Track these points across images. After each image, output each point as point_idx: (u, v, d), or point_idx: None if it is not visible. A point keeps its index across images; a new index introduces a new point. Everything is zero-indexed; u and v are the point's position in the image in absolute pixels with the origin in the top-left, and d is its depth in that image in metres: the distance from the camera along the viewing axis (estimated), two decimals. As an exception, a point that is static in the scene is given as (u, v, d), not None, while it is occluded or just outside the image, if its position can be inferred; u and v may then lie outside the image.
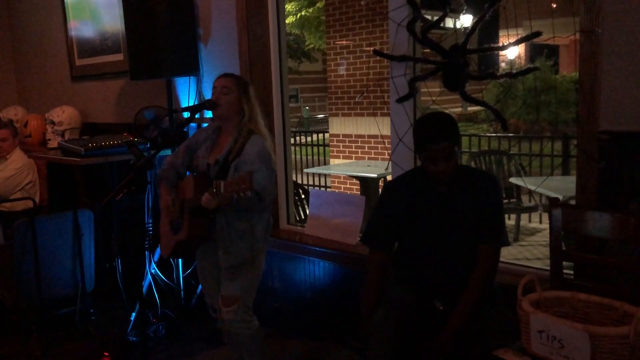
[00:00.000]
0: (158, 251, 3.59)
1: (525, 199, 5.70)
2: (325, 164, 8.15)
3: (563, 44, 15.60)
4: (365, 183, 5.84)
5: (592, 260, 2.17)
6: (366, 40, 7.28)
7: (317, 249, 3.23)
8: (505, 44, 2.40)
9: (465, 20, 6.57)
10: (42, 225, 3.34)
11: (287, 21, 11.81)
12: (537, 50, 13.47)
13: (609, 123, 2.18)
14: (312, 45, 14.40)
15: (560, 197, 3.91)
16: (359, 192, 6.23)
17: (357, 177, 6.20)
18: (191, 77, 3.68)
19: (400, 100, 2.72)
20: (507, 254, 2.25)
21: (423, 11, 2.60)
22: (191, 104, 3.69)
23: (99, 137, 3.87)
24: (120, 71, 4.27)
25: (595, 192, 2.24)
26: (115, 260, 3.66)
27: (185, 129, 3.69)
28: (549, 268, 2.17)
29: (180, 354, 3.24)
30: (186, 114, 2.58)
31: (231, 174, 2.42)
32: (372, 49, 4.26)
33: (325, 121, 14.22)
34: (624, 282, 2.07)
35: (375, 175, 5.57)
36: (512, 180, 5.46)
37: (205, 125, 3.12)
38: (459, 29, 2.53)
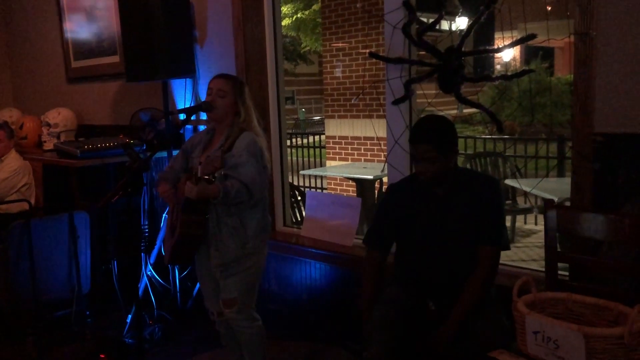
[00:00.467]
0: (154, 253, 3.59)
1: (520, 200, 5.71)
2: (321, 165, 8.15)
3: (558, 46, 15.67)
4: (362, 185, 5.84)
5: (587, 262, 2.18)
6: (362, 42, 7.28)
7: (314, 250, 3.23)
8: (500, 46, 2.41)
9: (461, 22, 6.60)
10: (37, 228, 3.33)
11: (283, 23, 11.83)
12: (532, 53, 13.52)
13: (604, 125, 2.19)
14: (308, 48, 14.42)
15: (556, 199, 3.91)
16: (355, 194, 6.23)
17: (353, 179, 6.20)
18: (187, 79, 3.68)
19: (396, 102, 2.73)
20: (503, 255, 2.25)
21: (418, 14, 2.61)
22: (187, 105, 3.69)
23: (94, 139, 3.86)
24: (116, 73, 4.27)
25: (590, 193, 2.25)
26: (112, 262, 3.65)
27: (181, 131, 3.70)
28: (544, 269, 2.17)
29: (177, 356, 3.23)
30: (182, 116, 2.58)
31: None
32: (367, 51, 4.28)
33: (321, 123, 14.23)
34: (619, 283, 2.08)
35: (371, 177, 5.57)
36: (508, 182, 5.48)
37: (201, 127, 3.13)
38: (455, 31, 2.54)
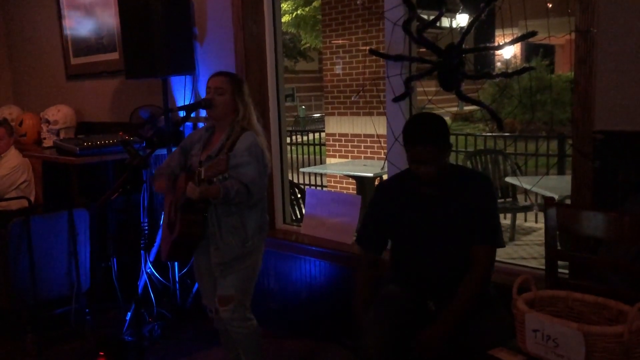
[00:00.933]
0: (153, 250, 3.58)
1: (520, 198, 5.71)
2: (321, 163, 8.15)
3: (559, 43, 15.65)
4: (362, 182, 5.84)
5: (587, 260, 2.18)
6: (362, 39, 7.27)
7: (313, 248, 3.23)
8: (501, 43, 2.41)
9: (461, 19, 6.58)
10: (37, 225, 3.32)
11: (283, 20, 11.81)
12: (532, 50, 13.51)
13: (604, 123, 2.19)
14: (308, 45, 14.42)
15: (556, 197, 3.91)
16: (355, 192, 6.23)
17: (353, 177, 6.21)
18: (187, 76, 3.68)
19: (396, 99, 2.72)
20: (503, 253, 2.25)
21: (419, 10, 2.61)
22: (187, 102, 3.69)
23: (94, 136, 3.85)
24: (115, 70, 4.26)
25: (590, 191, 2.24)
26: (111, 259, 3.65)
27: (180, 128, 3.69)
28: (544, 267, 2.17)
29: (176, 354, 3.23)
30: (182, 113, 2.58)
31: None
32: (368, 48, 4.27)
33: (321, 120, 14.23)
34: (619, 281, 2.08)
35: (371, 175, 5.57)
36: (508, 179, 5.48)
37: (200, 124, 3.12)
38: (455, 28, 2.53)
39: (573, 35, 2.23)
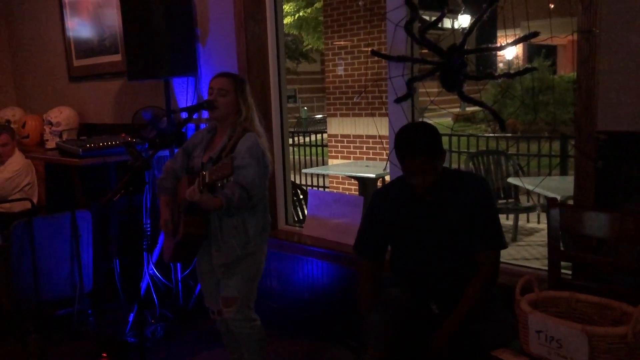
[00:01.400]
0: (156, 252, 3.59)
1: (523, 199, 5.70)
2: (323, 164, 8.15)
3: (561, 44, 15.64)
4: (364, 183, 5.84)
5: (590, 260, 2.17)
6: (364, 40, 7.27)
7: (316, 249, 3.23)
8: (503, 44, 2.40)
9: (463, 20, 6.57)
10: (40, 226, 3.33)
11: (285, 21, 11.84)
12: (535, 51, 13.51)
13: (607, 123, 2.18)
14: (310, 46, 14.42)
15: (558, 197, 3.91)
16: (357, 193, 6.23)
17: (355, 178, 6.21)
18: (189, 77, 3.68)
19: (398, 100, 2.72)
20: (505, 254, 2.24)
21: (421, 11, 2.60)
22: (189, 104, 3.69)
23: (96, 138, 3.86)
24: (118, 72, 4.27)
25: (593, 191, 2.24)
26: (114, 261, 3.65)
27: (183, 130, 3.68)
28: (547, 268, 2.16)
29: (179, 355, 3.24)
30: (184, 114, 2.58)
31: None
32: (370, 49, 4.27)
33: (323, 121, 14.22)
34: (622, 282, 2.07)
35: (373, 176, 5.57)
36: (510, 180, 5.47)
37: (203, 126, 3.11)
38: (457, 29, 2.52)
39: (575, 36, 2.23)
